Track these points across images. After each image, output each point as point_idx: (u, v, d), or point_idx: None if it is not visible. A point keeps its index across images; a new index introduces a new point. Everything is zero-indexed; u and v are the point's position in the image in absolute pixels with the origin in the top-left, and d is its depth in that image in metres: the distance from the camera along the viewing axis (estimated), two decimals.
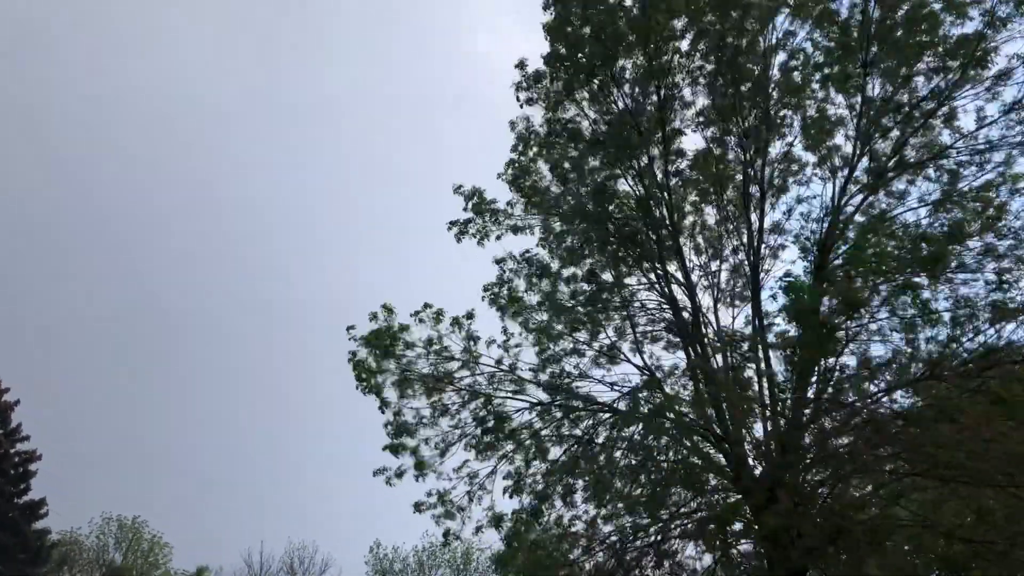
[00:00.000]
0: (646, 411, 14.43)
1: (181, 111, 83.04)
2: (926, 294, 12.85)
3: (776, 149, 15.11)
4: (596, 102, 15.28)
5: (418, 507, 15.20)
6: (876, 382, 13.21)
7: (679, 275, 15.19)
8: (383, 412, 15.09)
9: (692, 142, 16.06)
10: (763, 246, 14.85)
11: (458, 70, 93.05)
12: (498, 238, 16.07)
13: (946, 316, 12.83)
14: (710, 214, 15.61)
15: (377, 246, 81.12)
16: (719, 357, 14.76)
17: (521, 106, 15.68)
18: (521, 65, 15.51)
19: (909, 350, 12.93)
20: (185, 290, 77.95)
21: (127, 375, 71.01)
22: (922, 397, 13.26)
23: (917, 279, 13.71)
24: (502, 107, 15.75)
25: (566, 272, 15.66)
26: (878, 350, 13.83)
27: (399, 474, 15.06)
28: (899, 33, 13.67)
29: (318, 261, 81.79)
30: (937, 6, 13.47)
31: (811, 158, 15.05)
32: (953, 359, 12.47)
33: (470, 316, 15.29)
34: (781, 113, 14.87)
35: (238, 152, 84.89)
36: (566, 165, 15.40)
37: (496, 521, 14.63)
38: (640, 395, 14.46)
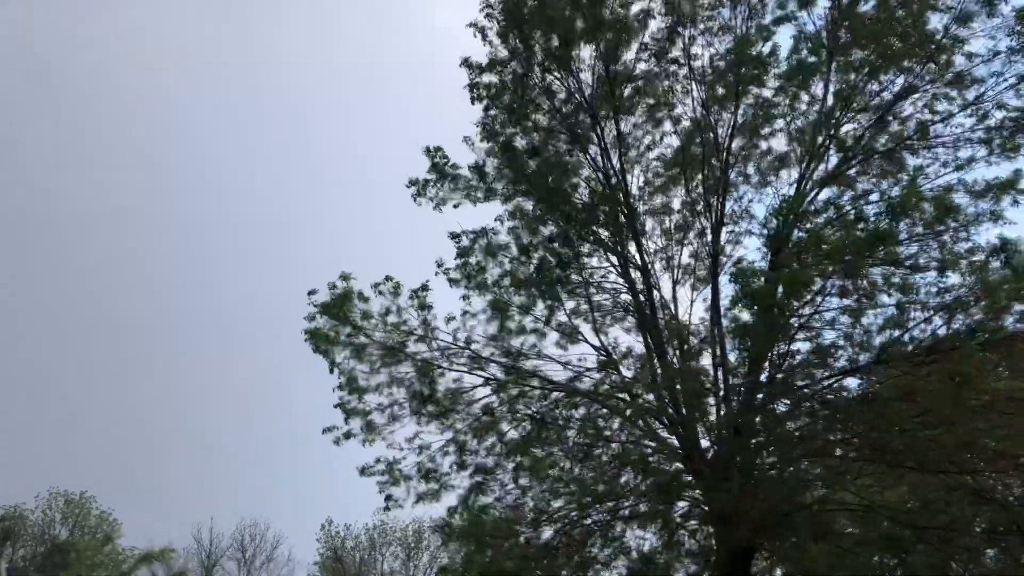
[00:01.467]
0: (599, 391, 14.51)
1: (121, 78, 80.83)
2: (876, 278, 13.02)
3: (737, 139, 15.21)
4: (548, 93, 15.21)
5: (363, 471, 15.18)
6: (825, 369, 13.39)
7: (638, 258, 15.26)
8: (332, 372, 15.01)
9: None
10: (723, 231, 14.95)
11: (415, 45, 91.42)
12: (456, 206, 15.98)
13: (893, 303, 13.02)
14: (674, 196, 15.66)
15: (334, 219, 79.92)
16: (676, 341, 14.87)
17: (472, 102, 15.60)
18: (468, 64, 15.45)
19: (859, 336, 13.11)
20: (133, 263, 76.24)
21: (75, 350, 69.70)
22: (871, 382, 13.48)
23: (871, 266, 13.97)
24: (460, 81, 15.59)
25: (525, 241, 15.59)
26: (831, 336, 14.06)
27: (347, 435, 14.99)
28: (866, 20, 13.77)
29: (269, 237, 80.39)
30: None
31: (776, 146, 15.16)
32: (901, 345, 12.68)
33: (425, 288, 15.21)
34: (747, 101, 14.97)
35: (190, 126, 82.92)
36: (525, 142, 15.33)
37: (434, 491, 14.71)
38: (595, 375, 14.51)
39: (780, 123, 14.95)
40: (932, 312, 12.34)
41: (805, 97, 14.52)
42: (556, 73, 14.99)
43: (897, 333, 12.52)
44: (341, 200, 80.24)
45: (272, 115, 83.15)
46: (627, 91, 14.86)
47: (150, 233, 77.07)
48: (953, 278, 12.50)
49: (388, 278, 15.27)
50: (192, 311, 74.88)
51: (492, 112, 15.49)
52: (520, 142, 15.33)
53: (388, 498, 15.21)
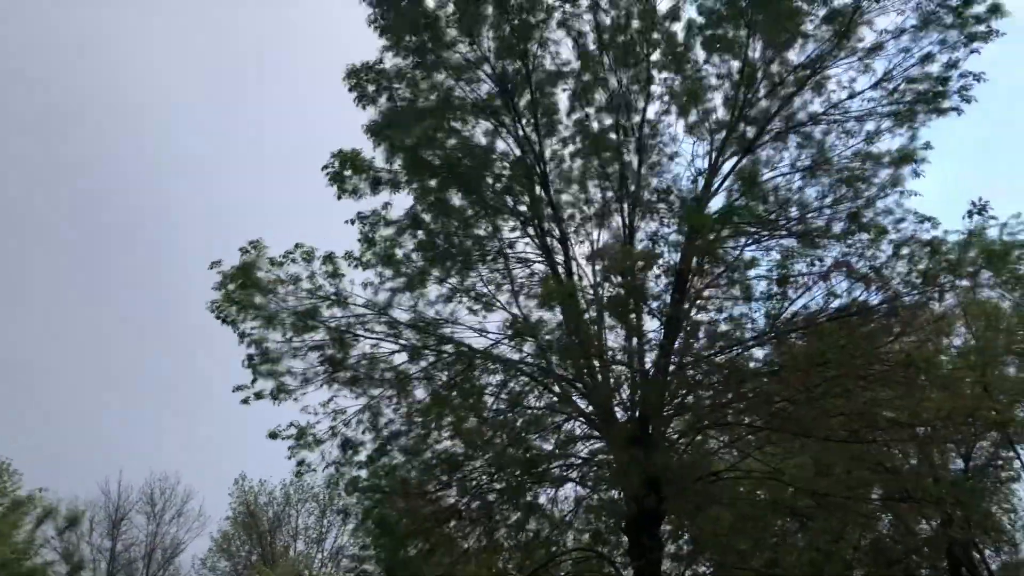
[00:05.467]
0: (515, 361, 14.54)
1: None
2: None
3: (654, 108, 15.30)
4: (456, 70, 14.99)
5: (273, 435, 15.01)
6: (728, 341, 13.68)
7: (555, 229, 15.26)
8: (241, 342, 14.73)
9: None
10: (638, 206, 15.03)
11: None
12: (375, 193, 15.72)
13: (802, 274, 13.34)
14: (586, 169, 15.65)
15: (241, 187, 77.31)
16: (591, 309, 14.95)
17: (364, 107, 15.14)
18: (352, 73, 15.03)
19: (764, 307, 13.43)
20: (39, 205, 72.59)
21: None
22: (775, 353, 13.81)
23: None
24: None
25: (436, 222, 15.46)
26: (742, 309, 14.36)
27: (258, 396, 14.79)
28: None
29: (183, 193, 77.42)
30: None
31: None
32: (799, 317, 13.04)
33: (335, 257, 14.96)
34: (661, 75, 15.08)
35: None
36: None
37: (349, 459, 14.67)
38: (510, 342, 14.52)
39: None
40: (818, 282, 12.68)
41: (716, 70, 14.64)
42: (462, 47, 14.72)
43: (793, 304, 12.86)
44: (245, 177, 77.70)
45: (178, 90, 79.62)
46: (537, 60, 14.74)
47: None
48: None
49: (298, 245, 14.98)
50: (105, 254, 71.73)
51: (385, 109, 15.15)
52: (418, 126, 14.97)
53: (300, 463, 15.09)
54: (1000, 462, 19.98)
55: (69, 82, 74.90)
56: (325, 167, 15.27)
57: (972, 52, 13.61)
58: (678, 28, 14.81)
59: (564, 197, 15.74)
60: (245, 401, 14.77)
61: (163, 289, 67.87)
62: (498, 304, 15.49)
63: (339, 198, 15.52)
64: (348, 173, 15.42)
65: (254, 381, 14.66)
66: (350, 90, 15.03)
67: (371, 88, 15.01)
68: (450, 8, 14.48)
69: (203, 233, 66.43)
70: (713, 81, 14.83)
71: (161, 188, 73.43)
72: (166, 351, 62.56)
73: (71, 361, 62.35)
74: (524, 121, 15.11)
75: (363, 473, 14.77)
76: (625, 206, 15.15)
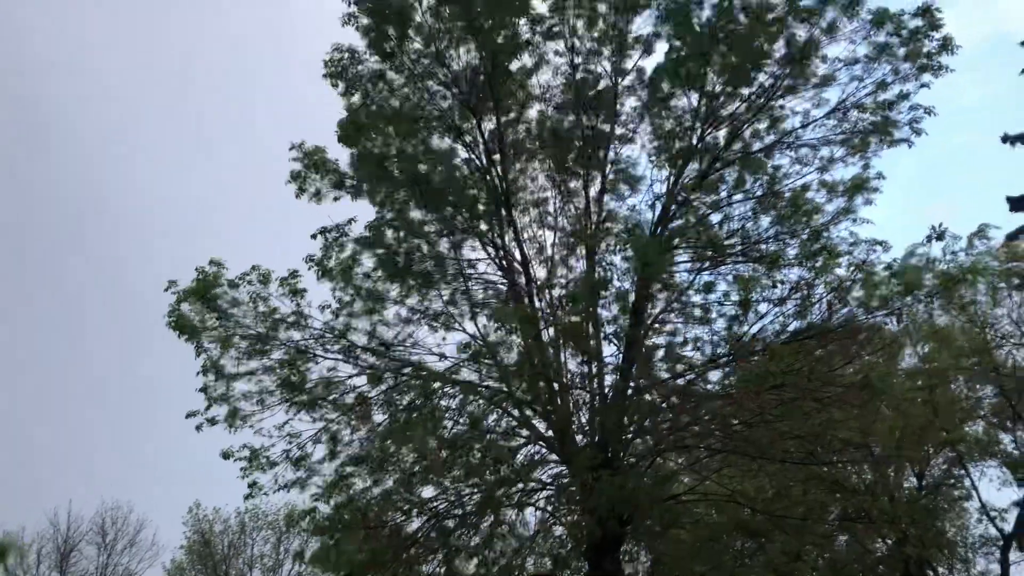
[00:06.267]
0: (470, 381, 14.48)
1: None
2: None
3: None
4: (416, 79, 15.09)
5: (227, 455, 14.73)
6: (684, 363, 13.81)
7: (515, 248, 15.31)
8: (198, 355, 14.50)
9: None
10: (599, 226, 15.15)
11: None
12: (336, 199, 15.65)
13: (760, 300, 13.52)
14: (548, 189, 15.79)
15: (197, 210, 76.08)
16: (550, 330, 14.99)
17: (342, 95, 15.19)
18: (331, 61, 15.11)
19: (720, 331, 13.59)
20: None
21: None
22: (728, 376, 13.96)
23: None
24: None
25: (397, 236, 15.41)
26: (699, 332, 14.51)
27: (212, 421, 14.54)
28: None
29: (139, 218, 76.10)
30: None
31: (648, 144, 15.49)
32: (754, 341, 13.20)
33: (295, 275, 14.83)
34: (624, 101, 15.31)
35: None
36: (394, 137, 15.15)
37: (302, 480, 14.47)
38: (468, 364, 14.47)
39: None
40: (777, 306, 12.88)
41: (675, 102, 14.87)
42: (429, 65, 14.80)
43: (749, 328, 13.02)
44: (203, 190, 76.40)
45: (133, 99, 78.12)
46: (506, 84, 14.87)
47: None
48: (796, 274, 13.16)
49: (255, 267, 14.81)
50: (46, 293, 70.06)
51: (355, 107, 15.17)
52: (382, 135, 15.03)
53: (252, 484, 14.84)
54: (953, 480, 20.37)
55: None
56: (294, 177, 15.29)
57: (922, 86, 13.98)
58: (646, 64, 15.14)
59: (525, 219, 15.83)
60: (199, 428, 14.52)
61: (116, 310, 66.62)
62: (458, 325, 15.46)
63: (297, 196, 15.57)
64: (311, 175, 15.45)
65: (208, 407, 14.43)
66: (327, 75, 15.00)
67: (349, 70, 15.03)
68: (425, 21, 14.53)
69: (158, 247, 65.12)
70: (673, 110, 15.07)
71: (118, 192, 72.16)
72: (117, 376, 61.30)
73: (16, 388, 60.72)
74: (487, 139, 15.20)
75: (320, 505, 14.52)
76: (585, 230, 15.28)
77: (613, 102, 15.22)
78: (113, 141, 77.18)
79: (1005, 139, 24.26)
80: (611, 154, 15.44)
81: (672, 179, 14.98)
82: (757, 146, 14.95)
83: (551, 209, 15.71)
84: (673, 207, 14.96)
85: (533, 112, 15.70)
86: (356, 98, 15.12)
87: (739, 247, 14.54)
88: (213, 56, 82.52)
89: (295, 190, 15.59)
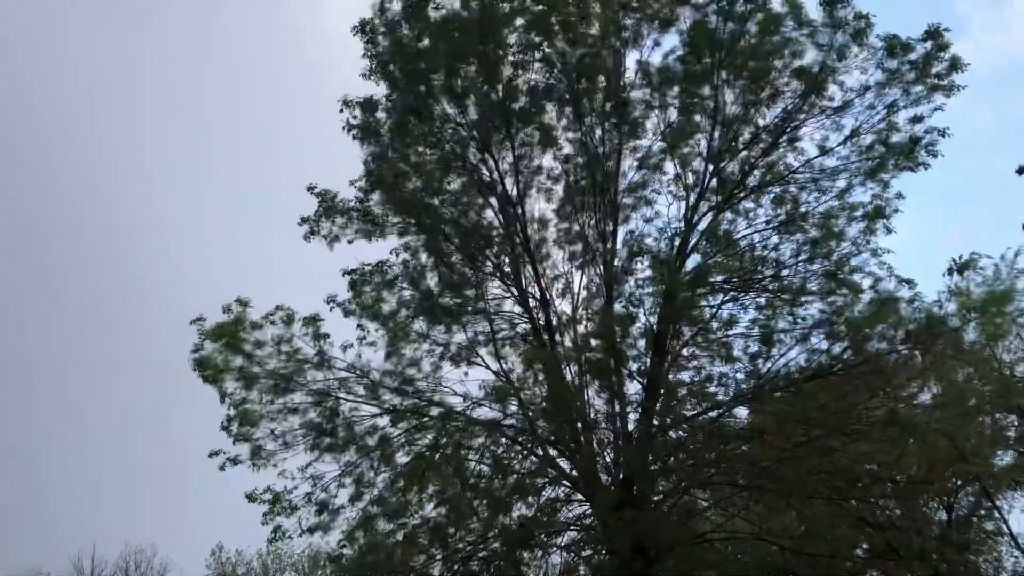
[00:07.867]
0: (497, 421, 14.43)
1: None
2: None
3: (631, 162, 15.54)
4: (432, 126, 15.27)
5: (251, 497, 14.66)
6: (708, 401, 13.72)
7: (534, 287, 15.32)
8: (223, 403, 14.55)
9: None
10: (616, 259, 15.15)
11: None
12: (350, 242, 15.80)
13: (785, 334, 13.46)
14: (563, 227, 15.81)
15: (220, 245, 76.30)
16: (572, 368, 14.92)
17: (355, 139, 15.46)
18: (347, 103, 15.37)
19: (744, 367, 13.51)
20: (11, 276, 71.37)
21: None
22: (754, 414, 13.86)
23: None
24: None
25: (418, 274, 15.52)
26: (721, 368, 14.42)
27: (235, 461, 14.54)
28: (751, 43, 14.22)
29: (164, 257, 76.54)
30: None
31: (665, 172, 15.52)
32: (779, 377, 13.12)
33: (317, 319, 14.93)
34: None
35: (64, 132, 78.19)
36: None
37: (325, 523, 14.42)
38: (494, 404, 14.42)
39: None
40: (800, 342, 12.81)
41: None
42: (444, 104, 14.97)
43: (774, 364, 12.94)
44: (223, 228, 76.66)
45: (147, 126, 78.40)
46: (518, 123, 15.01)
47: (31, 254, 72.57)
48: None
49: (279, 307, 14.89)
50: (72, 329, 70.49)
51: (375, 150, 15.36)
52: (410, 182, 15.25)
53: (276, 529, 14.78)
54: (983, 512, 19.97)
55: None
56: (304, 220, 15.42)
57: (936, 109, 14.00)
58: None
59: (544, 250, 15.86)
60: (222, 468, 14.52)
61: (136, 351, 66.81)
62: (481, 362, 15.46)
63: (307, 239, 15.74)
64: (324, 220, 15.60)
65: (234, 443, 14.43)
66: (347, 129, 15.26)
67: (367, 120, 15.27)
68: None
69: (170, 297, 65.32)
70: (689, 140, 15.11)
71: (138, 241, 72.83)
72: (140, 417, 61.43)
73: (39, 428, 60.98)
74: (504, 178, 15.31)
75: (345, 551, 14.45)
76: (602, 267, 15.27)
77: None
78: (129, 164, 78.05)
79: (1020, 171, 24.01)
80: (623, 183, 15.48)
81: (689, 211, 14.98)
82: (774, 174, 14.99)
83: (570, 247, 15.70)
84: (692, 239, 14.96)
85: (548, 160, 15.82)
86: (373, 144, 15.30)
87: (761, 277, 14.51)
88: (231, 76, 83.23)
89: (305, 232, 15.73)
